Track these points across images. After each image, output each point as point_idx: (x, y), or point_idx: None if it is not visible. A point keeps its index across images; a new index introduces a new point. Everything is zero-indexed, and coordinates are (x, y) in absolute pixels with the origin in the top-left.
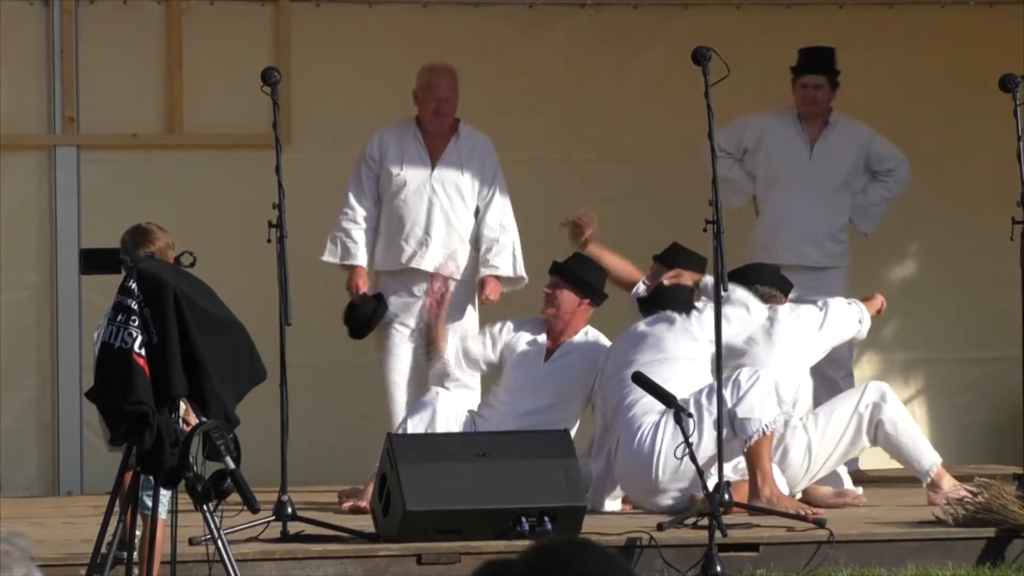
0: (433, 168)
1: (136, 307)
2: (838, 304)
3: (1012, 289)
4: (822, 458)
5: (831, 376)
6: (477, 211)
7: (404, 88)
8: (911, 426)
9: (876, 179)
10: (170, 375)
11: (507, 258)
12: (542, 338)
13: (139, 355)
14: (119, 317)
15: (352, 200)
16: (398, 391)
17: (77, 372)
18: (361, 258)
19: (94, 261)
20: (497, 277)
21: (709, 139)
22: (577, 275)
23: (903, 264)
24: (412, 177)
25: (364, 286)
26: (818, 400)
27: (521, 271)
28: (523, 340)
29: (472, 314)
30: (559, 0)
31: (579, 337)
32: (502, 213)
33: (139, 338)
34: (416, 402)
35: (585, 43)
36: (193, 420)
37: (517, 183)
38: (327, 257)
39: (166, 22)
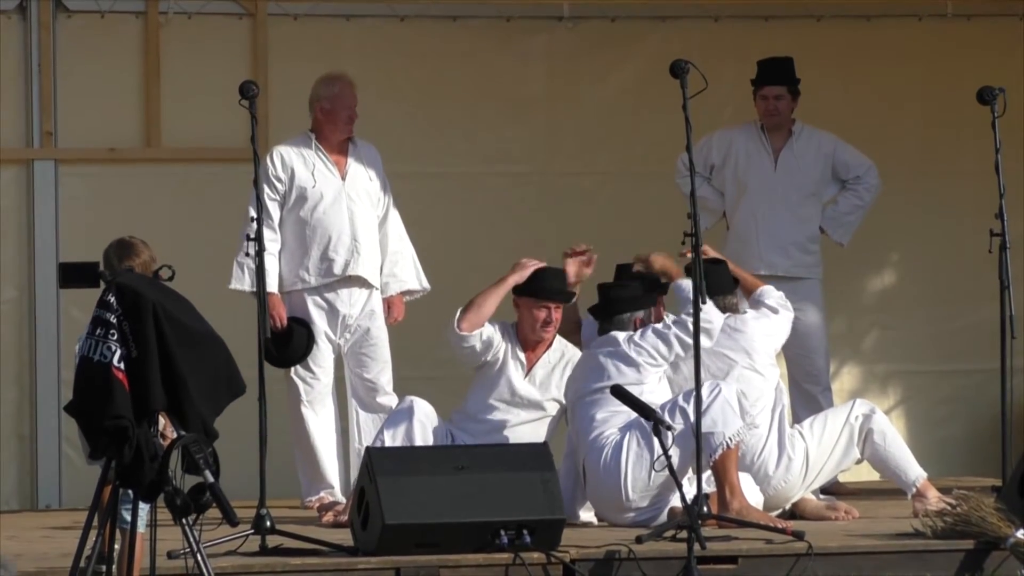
0: (344, 178)
1: (115, 321)
2: (783, 300)
3: (991, 301)
4: (818, 467)
5: (810, 391)
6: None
7: (382, 101)
8: (898, 439)
9: (846, 188)
10: (149, 389)
11: (411, 270)
12: (519, 351)
13: (118, 369)
14: (98, 331)
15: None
16: (323, 405)
17: (55, 386)
18: (274, 284)
19: (72, 275)
20: (402, 292)
21: (687, 152)
22: (567, 292)
23: (882, 276)
24: (327, 189)
25: (285, 313)
26: (798, 416)
27: (424, 282)
28: (505, 349)
29: (385, 332)
30: (537, 13)
31: (555, 347)
32: (398, 223)
33: (118, 352)
34: (391, 413)
35: (563, 56)
36: (171, 434)
37: (495, 196)
38: (235, 285)
39: (144, 36)
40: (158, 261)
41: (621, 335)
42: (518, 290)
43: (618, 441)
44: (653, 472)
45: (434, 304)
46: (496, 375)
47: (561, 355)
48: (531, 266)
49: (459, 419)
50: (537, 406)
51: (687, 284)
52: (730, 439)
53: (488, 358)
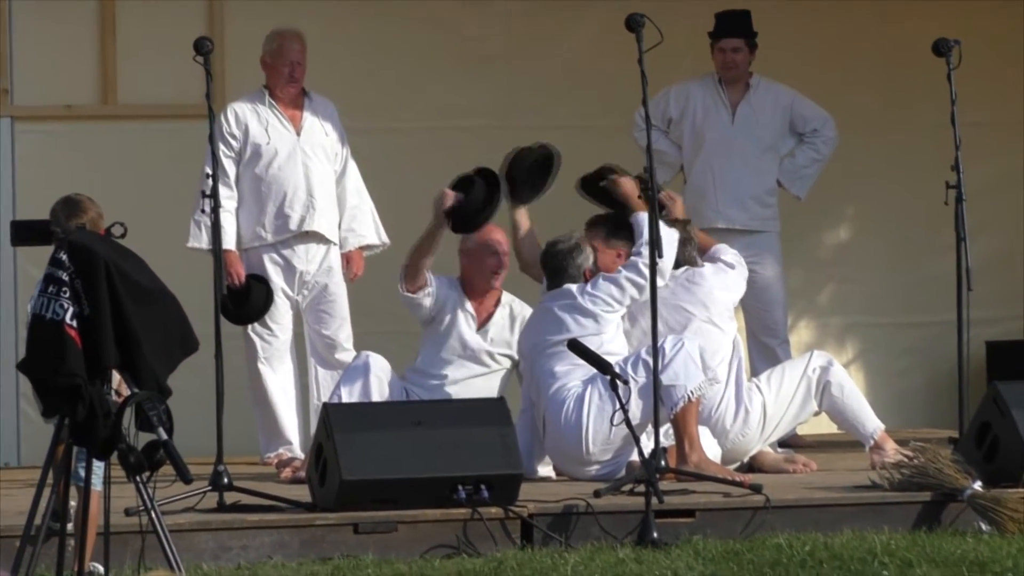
0: (298, 133)
1: (67, 278)
2: (738, 257)
3: (947, 253)
4: (776, 419)
5: (768, 344)
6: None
7: (340, 57)
8: (856, 391)
9: (803, 141)
10: (102, 346)
11: (369, 225)
12: (467, 304)
13: (71, 327)
14: (50, 288)
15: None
16: (281, 361)
17: (13, 343)
18: (232, 241)
19: (24, 233)
20: (361, 247)
21: (643, 106)
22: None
23: (839, 229)
24: (282, 145)
25: (243, 270)
26: (756, 368)
27: (384, 237)
28: (453, 304)
29: (343, 288)
30: None
31: (504, 300)
32: (357, 178)
33: (70, 310)
34: (347, 368)
35: (522, 10)
36: (125, 391)
37: (457, 151)
38: (192, 243)
39: None
40: (105, 217)
41: (574, 287)
42: (456, 227)
43: (580, 394)
44: (613, 426)
45: (393, 259)
46: (446, 330)
47: (510, 311)
48: (448, 198)
49: (412, 376)
50: (489, 358)
51: (644, 218)
52: (691, 392)
53: (436, 314)
